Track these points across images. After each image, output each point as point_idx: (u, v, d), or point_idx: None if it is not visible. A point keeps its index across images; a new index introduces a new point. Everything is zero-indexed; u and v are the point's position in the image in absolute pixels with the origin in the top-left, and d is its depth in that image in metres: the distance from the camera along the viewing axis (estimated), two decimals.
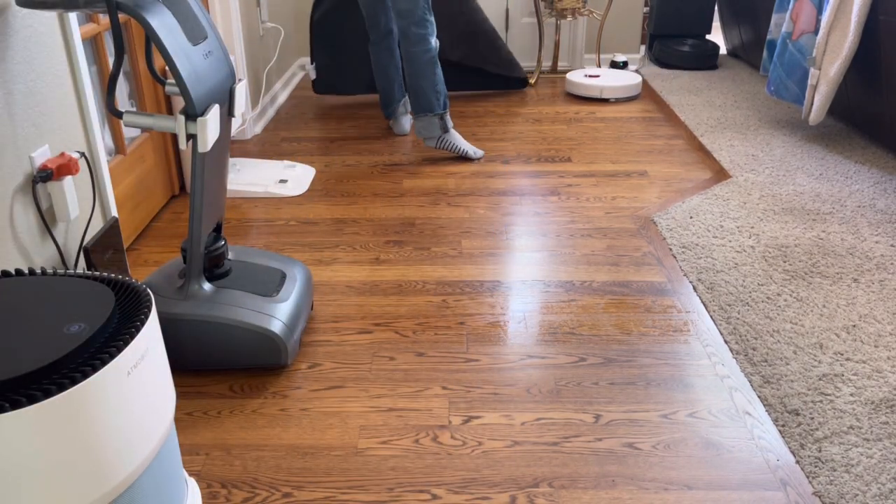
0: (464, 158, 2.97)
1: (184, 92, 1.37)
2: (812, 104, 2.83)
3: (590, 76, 3.87)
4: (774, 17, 3.22)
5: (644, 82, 4.14)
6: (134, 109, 2.14)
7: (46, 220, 1.66)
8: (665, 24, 4.46)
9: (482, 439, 1.45)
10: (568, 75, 3.90)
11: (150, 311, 0.98)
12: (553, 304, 1.91)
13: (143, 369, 0.94)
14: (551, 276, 2.05)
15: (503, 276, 2.05)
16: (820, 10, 2.82)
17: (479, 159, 2.97)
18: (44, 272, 1.06)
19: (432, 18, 2.74)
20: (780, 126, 3.26)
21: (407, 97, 3.17)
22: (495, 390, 1.59)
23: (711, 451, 1.41)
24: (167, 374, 1.04)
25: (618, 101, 3.79)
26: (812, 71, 2.78)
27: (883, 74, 2.65)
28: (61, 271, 1.06)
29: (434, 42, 2.76)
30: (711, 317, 1.84)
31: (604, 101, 3.80)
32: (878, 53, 2.63)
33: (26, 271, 1.05)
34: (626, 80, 3.83)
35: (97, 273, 1.06)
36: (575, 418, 1.50)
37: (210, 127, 1.42)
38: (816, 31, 2.82)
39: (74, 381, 0.84)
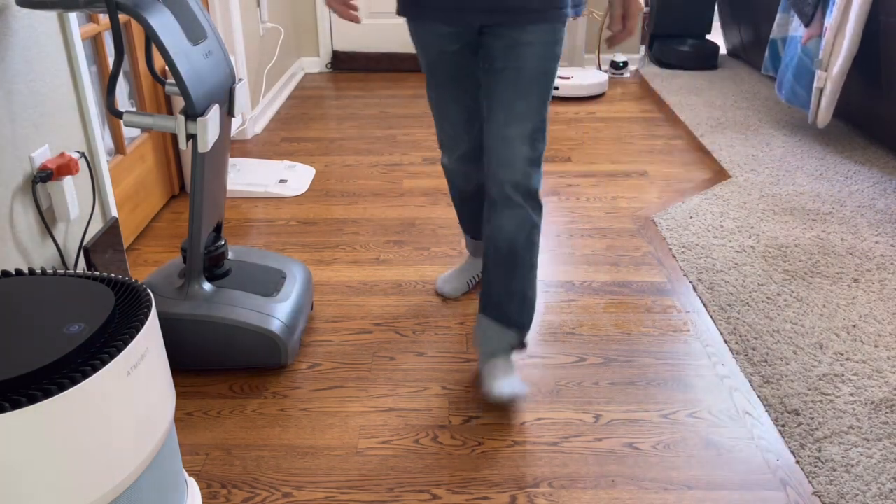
0: None
1: (184, 92, 1.37)
2: (819, 107, 2.82)
3: (559, 77, 3.91)
4: (778, 17, 3.22)
5: (644, 82, 4.14)
6: (134, 109, 2.14)
7: (46, 220, 1.66)
8: (665, 24, 4.45)
9: (482, 439, 1.45)
10: None
11: (150, 311, 0.98)
12: (553, 304, 1.91)
13: (143, 369, 0.94)
14: (551, 276, 2.05)
15: None
16: (824, 14, 2.82)
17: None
18: (44, 272, 1.06)
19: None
20: (780, 126, 3.26)
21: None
22: None
23: (711, 451, 1.41)
24: (167, 374, 1.04)
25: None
26: (818, 73, 2.77)
27: (883, 74, 2.65)
28: (61, 271, 1.06)
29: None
30: (711, 317, 1.84)
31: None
32: (879, 54, 2.63)
33: (26, 271, 1.05)
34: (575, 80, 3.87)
35: (97, 273, 1.06)
36: (575, 418, 1.50)
37: (210, 127, 1.42)
38: (821, 35, 2.82)
39: (74, 381, 0.84)
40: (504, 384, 1.47)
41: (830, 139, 3.07)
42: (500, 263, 1.49)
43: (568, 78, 3.86)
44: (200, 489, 1.33)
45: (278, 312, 1.62)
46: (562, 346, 1.74)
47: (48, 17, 1.68)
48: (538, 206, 1.47)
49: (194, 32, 1.44)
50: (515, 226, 1.46)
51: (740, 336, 1.75)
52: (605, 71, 4.30)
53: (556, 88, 3.87)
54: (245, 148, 3.13)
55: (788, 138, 3.09)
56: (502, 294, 1.51)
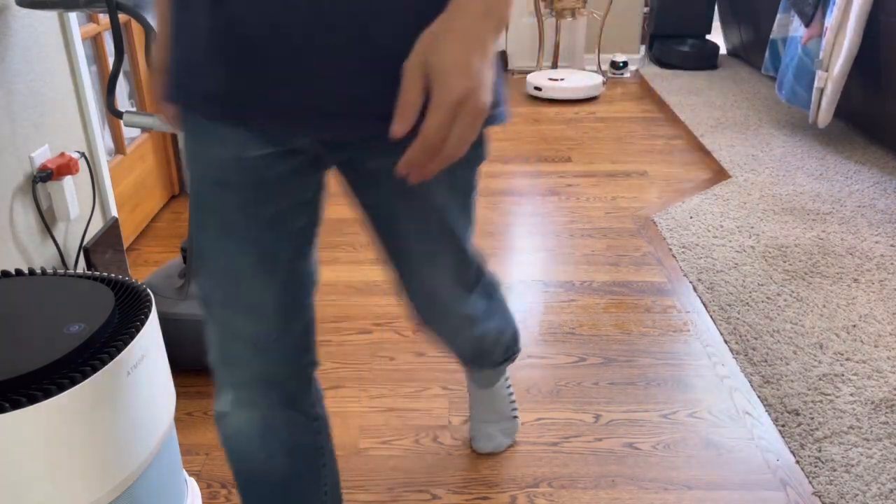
0: None
1: None
2: (819, 107, 2.82)
3: (551, 79, 3.85)
4: (779, 17, 3.22)
5: (644, 82, 4.14)
6: (134, 109, 2.14)
7: (46, 220, 1.66)
8: (665, 24, 4.45)
9: None
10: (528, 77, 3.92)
11: (150, 311, 0.98)
12: (553, 304, 1.91)
13: (143, 369, 0.94)
14: (551, 276, 2.05)
15: (503, 276, 2.05)
16: (824, 14, 2.82)
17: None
18: (44, 272, 1.06)
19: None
20: (780, 126, 3.26)
21: None
22: None
23: (711, 451, 1.41)
24: (167, 374, 1.04)
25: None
26: (819, 73, 2.77)
27: (883, 74, 2.65)
28: (61, 271, 1.06)
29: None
30: (711, 317, 1.84)
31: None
32: (879, 54, 2.63)
33: (26, 271, 1.05)
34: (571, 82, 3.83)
35: (97, 273, 1.06)
36: (575, 418, 1.50)
37: None
38: (821, 35, 2.82)
39: (74, 381, 0.84)
40: (486, 439, 1.40)
41: (830, 139, 3.07)
42: (470, 358, 1.20)
43: (560, 80, 3.84)
44: (200, 489, 1.33)
45: None
46: (562, 346, 1.74)
47: (48, 17, 1.68)
48: (498, 304, 1.10)
49: None
50: (476, 346, 1.12)
51: (740, 336, 1.75)
52: (605, 71, 4.30)
53: (539, 89, 3.82)
54: None
55: (788, 138, 3.09)
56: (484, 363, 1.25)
